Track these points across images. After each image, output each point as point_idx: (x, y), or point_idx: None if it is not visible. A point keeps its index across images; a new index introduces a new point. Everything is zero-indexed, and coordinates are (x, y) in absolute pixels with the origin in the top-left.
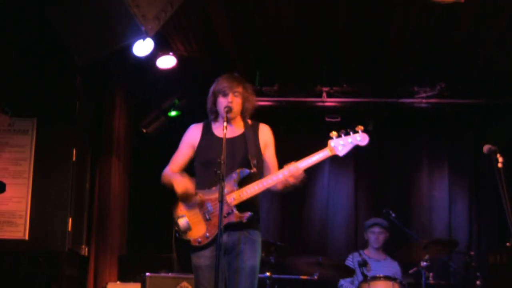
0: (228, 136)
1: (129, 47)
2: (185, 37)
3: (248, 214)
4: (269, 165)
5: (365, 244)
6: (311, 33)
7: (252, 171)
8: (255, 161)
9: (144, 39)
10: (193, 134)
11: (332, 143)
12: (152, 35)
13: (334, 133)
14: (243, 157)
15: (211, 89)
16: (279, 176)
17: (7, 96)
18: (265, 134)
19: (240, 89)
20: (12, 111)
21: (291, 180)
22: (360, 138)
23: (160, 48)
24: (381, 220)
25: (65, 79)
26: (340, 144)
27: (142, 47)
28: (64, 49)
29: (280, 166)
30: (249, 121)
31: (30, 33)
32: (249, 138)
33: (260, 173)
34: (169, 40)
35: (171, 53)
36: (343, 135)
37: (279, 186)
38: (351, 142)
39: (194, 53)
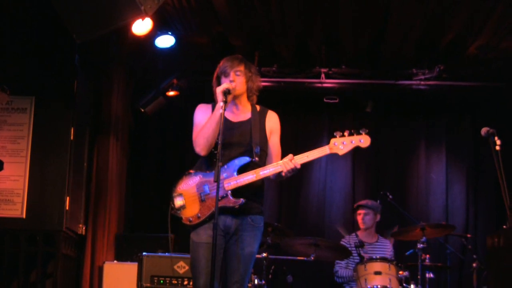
0: (234, 120)
1: (128, 26)
2: (184, 16)
3: (241, 201)
4: (272, 152)
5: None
6: (311, 14)
7: (253, 159)
8: (257, 150)
9: (143, 18)
10: (204, 113)
11: (334, 141)
12: (151, 14)
13: (338, 133)
14: (247, 144)
15: (214, 74)
16: (277, 168)
17: (6, 74)
18: (272, 121)
19: (241, 68)
20: (11, 90)
21: (287, 173)
22: (362, 139)
23: (159, 28)
24: (366, 202)
25: (64, 58)
26: (342, 143)
27: (141, 26)
28: (63, 28)
29: (282, 152)
30: (258, 107)
31: (29, 11)
32: (255, 125)
33: (263, 161)
34: (168, 20)
35: (169, 33)
36: (346, 135)
37: (272, 176)
38: (352, 143)
39: (193, 33)
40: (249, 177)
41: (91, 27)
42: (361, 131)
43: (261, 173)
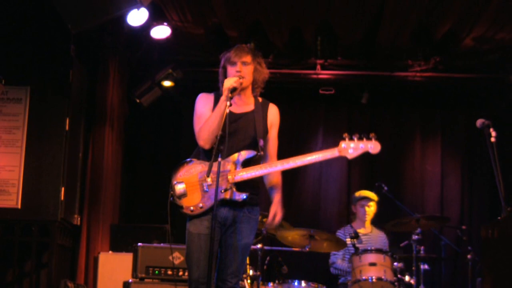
0: (237, 111)
1: (123, 17)
2: (179, 7)
3: (244, 195)
4: (269, 146)
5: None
6: (306, 5)
7: (258, 153)
8: (261, 143)
9: (138, 8)
10: (206, 103)
11: (343, 144)
12: (146, 5)
13: (347, 135)
14: (252, 137)
15: (221, 62)
16: (284, 165)
17: (1, 64)
18: (273, 114)
19: (248, 59)
20: (6, 80)
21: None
22: (372, 145)
23: (155, 18)
24: (372, 194)
25: (59, 48)
26: (351, 147)
27: (137, 17)
28: (59, 18)
29: (279, 145)
30: (260, 99)
31: (24, 2)
32: (258, 117)
33: (264, 154)
34: (164, 10)
35: (165, 23)
36: (355, 139)
37: (265, 181)
38: (362, 147)
39: (189, 24)
40: (256, 172)
41: (87, 17)
42: (370, 136)
43: (269, 169)
